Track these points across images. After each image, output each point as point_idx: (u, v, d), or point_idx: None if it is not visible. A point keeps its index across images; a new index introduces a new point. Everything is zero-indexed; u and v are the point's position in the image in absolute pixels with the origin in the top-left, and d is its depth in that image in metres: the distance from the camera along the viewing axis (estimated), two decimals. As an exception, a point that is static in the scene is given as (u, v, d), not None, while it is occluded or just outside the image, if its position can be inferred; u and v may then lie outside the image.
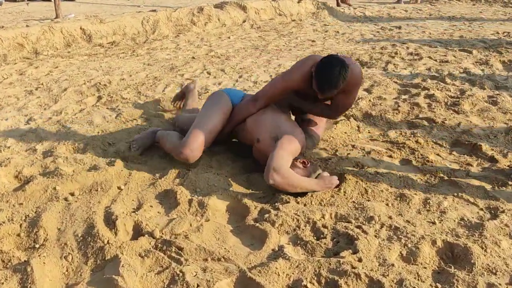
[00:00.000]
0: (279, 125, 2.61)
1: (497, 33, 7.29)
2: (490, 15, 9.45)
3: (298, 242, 2.04)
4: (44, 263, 1.85)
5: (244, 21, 8.47)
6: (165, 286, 1.74)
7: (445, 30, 7.69)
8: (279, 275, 1.79)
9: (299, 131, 2.63)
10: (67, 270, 1.87)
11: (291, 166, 2.44)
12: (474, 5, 11.38)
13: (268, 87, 2.72)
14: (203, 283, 1.73)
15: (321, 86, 2.45)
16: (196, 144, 2.59)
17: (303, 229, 2.12)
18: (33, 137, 3.11)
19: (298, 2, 9.57)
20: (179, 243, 1.98)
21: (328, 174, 2.50)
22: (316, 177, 2.46)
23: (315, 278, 1.78)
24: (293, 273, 1.81)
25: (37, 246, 1.99)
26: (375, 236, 2.04)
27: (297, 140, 2.53)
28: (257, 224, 2.14)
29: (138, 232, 2.10)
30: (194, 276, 1.78)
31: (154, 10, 8.03)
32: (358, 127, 3.38)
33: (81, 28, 6.64)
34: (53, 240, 2.01)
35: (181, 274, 1.77)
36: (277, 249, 1.99)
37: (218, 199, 2.36)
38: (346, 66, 2.43)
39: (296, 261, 1.86)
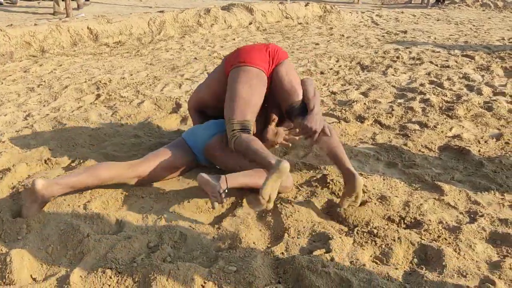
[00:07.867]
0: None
1: (503, 39, 7.24)
2: (499, 21, 9.38)
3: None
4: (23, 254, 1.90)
5: (250, 23, 8.52)
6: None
7: (451, 35, 7.65)
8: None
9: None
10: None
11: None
12: (483, 10, 11.29)
13: None
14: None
15: None
16: None
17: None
18: (28, 133, 3.19)
19: (305, 6, 9.60)
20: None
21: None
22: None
23: (286, 276, 1.81)
24: (264, 270, 1.84)
25: (19, 238, 2.04)
26: (350, 236, 2.07)
27: None
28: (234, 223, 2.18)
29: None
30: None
31: (162, 11, 8.11)
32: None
33: (88, 28, 6.74)
34: (36, 233, 2.06)
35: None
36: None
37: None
38: None
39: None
